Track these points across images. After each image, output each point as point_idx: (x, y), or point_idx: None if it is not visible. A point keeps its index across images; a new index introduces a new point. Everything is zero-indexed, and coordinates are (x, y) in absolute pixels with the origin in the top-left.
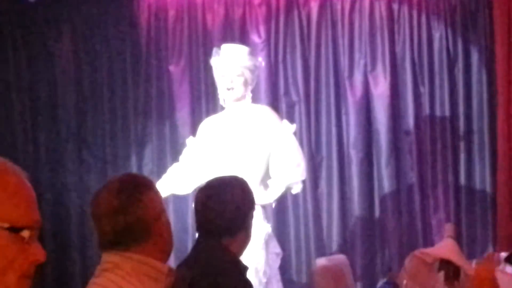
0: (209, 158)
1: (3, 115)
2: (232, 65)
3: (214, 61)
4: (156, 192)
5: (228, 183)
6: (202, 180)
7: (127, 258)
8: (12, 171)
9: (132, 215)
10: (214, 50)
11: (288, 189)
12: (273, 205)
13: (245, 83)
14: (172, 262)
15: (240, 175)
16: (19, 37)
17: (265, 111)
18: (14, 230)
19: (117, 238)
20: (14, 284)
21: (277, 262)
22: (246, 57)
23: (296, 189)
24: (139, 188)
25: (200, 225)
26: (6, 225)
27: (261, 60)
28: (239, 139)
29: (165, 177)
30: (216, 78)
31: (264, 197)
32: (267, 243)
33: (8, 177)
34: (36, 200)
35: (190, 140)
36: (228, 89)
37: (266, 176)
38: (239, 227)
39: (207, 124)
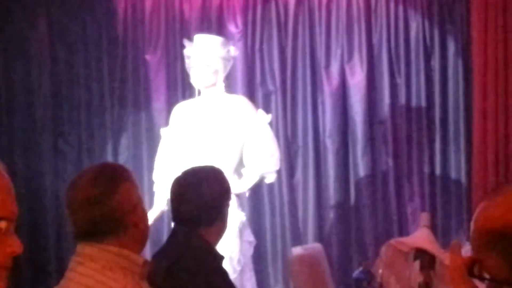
0: (181, 145)
1: None
2: (202, 54)
3: (187, 51)
4: (132, 182)
5: (204, 173)
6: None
7: (102, 250)
8: None
9: (108, 206)
10: (185, 41)
11: (262, 178)
12: (247, 194)
13: (215, 72)
14: (148, 251)
15: (213, 163)
16: None
17: (240, 100)
18: None
19: (92, 229)
20: None
21: (250, 251)
22: (217, 47)
23: (270, 178)
24: (115, 179)
25: (176, 215)
26: None
27: (232, 49)
28: (212, 126)
29: (157, 172)
30: (189, 68)
31: (238, 186)
32: (241, 231)
33: None
34: (13, 191)
35: (164, 131)
36: (198, 77)
37: (240, 165)
38: (215, 216)
39: (179, 110)
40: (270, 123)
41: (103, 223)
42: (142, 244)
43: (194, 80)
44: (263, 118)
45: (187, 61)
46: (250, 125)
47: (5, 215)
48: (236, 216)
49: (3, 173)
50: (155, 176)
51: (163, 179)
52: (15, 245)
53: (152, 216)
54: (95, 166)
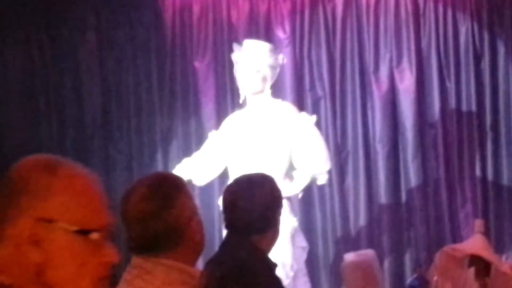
0: (229, 152)
1: (29, 112)
2: (252, 60)
3: (235, 56)
4: (187, 193)
5: (256, 181)
6: (217, 172)
7: (158, 264)
8: (81, 173)
9: (163, 221)
10: (235, 45)
11: (313, 180)
12: (299, 196)
13: (264, 79)
14: (200, 258)
15: (263, 170)
16: (44, 34)
17: (284, 106)
18: (83, 232)
19: (147, 244)
20: None
21: (303, 256)
22: (266, 54)
23: (322, 179)
24: (170, 193)
25: (229, 223)
26: (74, 228)
27: (282, 57)
28: (261, 134)
29: (184, 162)
30: (236, 73)
31: (289, 188)
32: (293, 237)
33: (76, 180)
34: (107, 202)
35: (212, 134)
36: (246, 83)
37: (290, 170)
38: (268, 224)
39: (230, 120)
40: (319, 127)
41: (158, 238)
42: (197, 256)
43: (242, 85)
44: (308, 119)
45: (235, 65)
46: (297, 128)
47: (97, 226)
48: (288, 221)
49: (95, 184)
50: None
51: (201, 177)
52: (112, 255)
53: None
54: (149, 179)
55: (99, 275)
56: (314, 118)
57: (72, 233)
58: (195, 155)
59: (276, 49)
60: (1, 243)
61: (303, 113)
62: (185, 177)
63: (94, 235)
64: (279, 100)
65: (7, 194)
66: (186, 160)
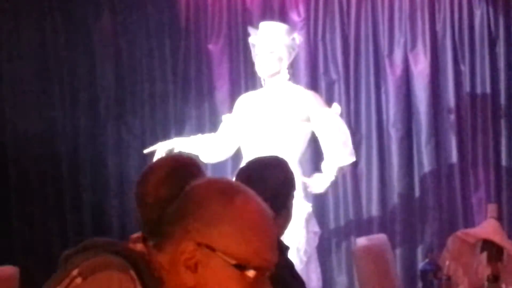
0: (243, 132)
1: (42, 95)
2: (267, 41)
3: (252, 39)
4: (204, 177)
5: (269, 163)
6: (231, 152)
7: None
8: (255, 207)
9: None
10: (250, 29)
11: (340, 172)
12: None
13: (279, 59)
14: None
15: (277, 153)
16: (59, 16)
17: (308, 95)
18: (241, 268)
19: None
20: None
21: (315, 241)
22: (282, 34)
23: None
24: (188, 178)
25: None
26: (233, 261)
27: (296, 37)
28: (277, 116)
29: (197, 138)
30: (254, 56)
31: (319, 183)
32: (307, 222)
33: (249, 214)
34: (275, 242)
35: (226, 117)
36: (262, 65)
37: (305, 156)
38: (280, 207)
39: (244, 100)
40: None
41: None
42: None
43: (258, 68)
44: (335, 110)
45: (252, 49)
46: (323, 120)
47: (257, 264)
48: (302, 207)
49: (268, 222)
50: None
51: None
52: None
53: None
54: (166, 162)
55: None
56: (339, 109)
57: (230, 266)
58: (209, 134)
59: (292, 30)
60: (161, 253)
61: (335, 104)
62: (193, 151)
63: (251, 273)
64: (300, 87)
65: (179, 212)
66: (198, 136)
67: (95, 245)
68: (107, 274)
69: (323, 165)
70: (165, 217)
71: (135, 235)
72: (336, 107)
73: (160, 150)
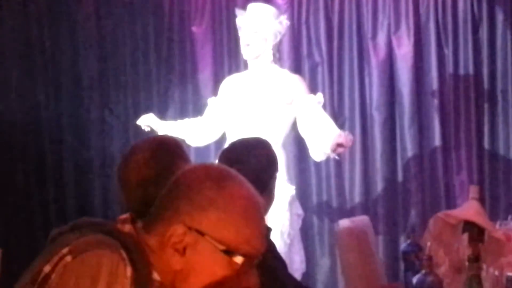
0: (228, 115)
1: (24, 76)
2: (250, 22)
3: (239, 21)
4: (186, 159)
5: (252, 144)
6: (216, 135)
7: None
8: (246, 194)
9: (163, 187)
10: (237, 10)
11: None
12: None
13: (264, 40)
14: None
15: (261, 135)
16: (42, 1)
17: (293, 79)
18: (229, 253)
19: (146, 210)
20: None
21: (298, 223)
22: (268, 15)
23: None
24: (171, 158)
25: None
26: (222, 247)
27: (284, 20)
28: (260, 98)
29: (182, 122)
30: (240, 37)
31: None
32: (291, 205)
33: (240, 201)
34: (264, 230)
35: (211, 100)
36: (246, 45)
37: (287, 140)
38: (263, 188)
39: (229, 82)
40: (316, 93)
41: None
42: None
43: (244, 48)
44: (317, 101)
45: (239, 31)
46: (305, 108)
47: (246, 252)
48: (286, 189)
49: (257, 207)
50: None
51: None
52: (250, 282)
53: None
54: (148, 143)
55: None
56: (322, 98)
57: (219, 251)
58: (195, 118)
59: (279, 13)
60: (150, 236)
61: (318, 94)
62: (179, 135)
63: (239, 259)
64: (286, 71)
65: (170, 196)
66: (185, 120)
67: (85, 225)
68: (97, 253)
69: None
70: (155, 199)
71: (123, 216)
72: (319, 96)
73: (143, 121)
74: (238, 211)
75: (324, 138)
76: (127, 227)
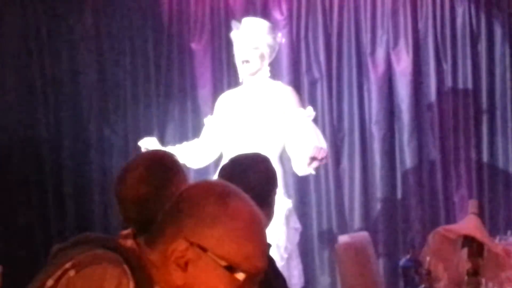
0: (225, 133)
1: (25, 93)
2: (249, 38)
3: (234, 34)
4: (183, 174)
5: (251, 160)
6: (216, 155)
7: None
8: (249, 211)
9: (161, 204)
10: (233, 23)
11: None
12: None
13: (262, 57)
14: None
15: (258, 150)
16: (41, 13)
17: (285, 90)
18: (231, 269)
19: (143, 226)
20: None
21: (296, 238)
22: (265, 31)
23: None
24: (167, 174)
25: None
26: (224, 263)
27: (280, 36)
28: (256, 114)
29: (181, 147)
30: (235, 52)
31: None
32: (287, 218)
33: (242, 217)
34: (265, 247)
35: (208, 119)
36: (243, 62)
37: (285, 154)
38: (262, 204)
39: (224, 99)
40: (315, 109)
41: (155, 220)
42: None
43: (240, 65)
44: (307, 114)
45: (234, 45)
46: (292, 122)
47: (246, 269)
48: (283, 203)
49: (260, 223)
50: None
51: (197, 162)
52: None
53: None
54: (144, 159)
55: None
56: (312, 112)
57: (221, 267)
58: (196, 140)
59: (275, 28)
60: (152, 251)
61: (309, 108)
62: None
63: (240, 276)
64: (279, 83)
65: (173, 211)
66: (184, 145)
67: (87, 240)
68: (100, 267)
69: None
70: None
71: (125, 232)
72: (309, 110)
73: (144, 144)
74: (241, 227)
75: (302, 152)
76: (129, 242)
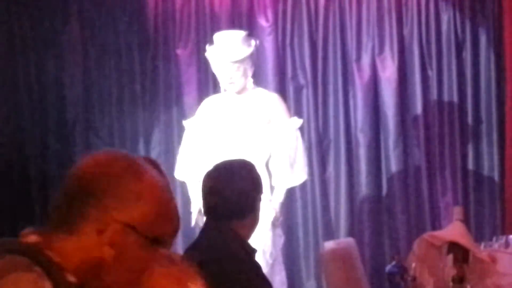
0: (209, 140)
1: (10, 99)
2: (230, 55)
3: (212, 52)
4: (165, 178)
5: (236, 166)
6: (207, 164)
7: None
8: (159, 181)
9: None
10: (208, 45)
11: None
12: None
13: (245, 73)
14: (180, 245)
15: (244, 157)
16: (27, 23)
17: (272, 98)
18: (155, 243)
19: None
20: None
21: (280, 243)
22: (241, 48)
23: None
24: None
25: (208, 209)
26: (149, 237)
27: (253, 42)
28: (242, 120)
29: (182, 164)
30: (214, 69)
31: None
32: (273, 225)
33: (157, 189)
34: (177, 208)
35: (187, 123)
36: (231, 83)
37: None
38: (247, 210)
39: (208, 104)
40: (301, 116)
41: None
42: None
43: (224, 83)
44: (293, 124)
45: (211, 62)
46: (279, 131)
47: (167, 234)
48: (268, 210)
49: (168, 189)
50: (183, 173)
51: (193, 176)
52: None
53: (194, 213)
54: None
55: None
56: (298, 122)
57: (146, 242)
58: (183, 154)
59: (248, 35)
60: (71, 237)
61: (294, 118)
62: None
63: (164, 250)
64: (265, 91)
65: (87, 193)
66: (181, 161)
67: None
68: (14, 278)
69: (274, 183)
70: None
71: (26, 231)
72: (296, 120)
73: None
74: (157, 199)
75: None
76: (33, 238)
